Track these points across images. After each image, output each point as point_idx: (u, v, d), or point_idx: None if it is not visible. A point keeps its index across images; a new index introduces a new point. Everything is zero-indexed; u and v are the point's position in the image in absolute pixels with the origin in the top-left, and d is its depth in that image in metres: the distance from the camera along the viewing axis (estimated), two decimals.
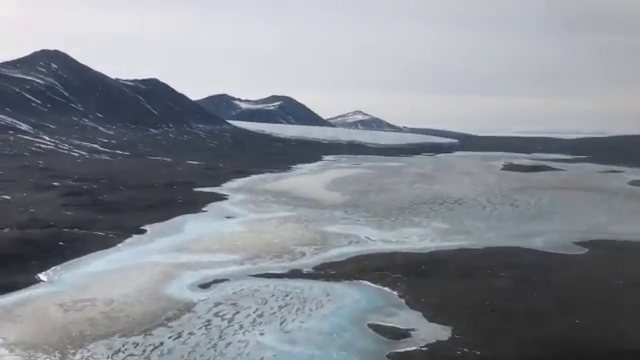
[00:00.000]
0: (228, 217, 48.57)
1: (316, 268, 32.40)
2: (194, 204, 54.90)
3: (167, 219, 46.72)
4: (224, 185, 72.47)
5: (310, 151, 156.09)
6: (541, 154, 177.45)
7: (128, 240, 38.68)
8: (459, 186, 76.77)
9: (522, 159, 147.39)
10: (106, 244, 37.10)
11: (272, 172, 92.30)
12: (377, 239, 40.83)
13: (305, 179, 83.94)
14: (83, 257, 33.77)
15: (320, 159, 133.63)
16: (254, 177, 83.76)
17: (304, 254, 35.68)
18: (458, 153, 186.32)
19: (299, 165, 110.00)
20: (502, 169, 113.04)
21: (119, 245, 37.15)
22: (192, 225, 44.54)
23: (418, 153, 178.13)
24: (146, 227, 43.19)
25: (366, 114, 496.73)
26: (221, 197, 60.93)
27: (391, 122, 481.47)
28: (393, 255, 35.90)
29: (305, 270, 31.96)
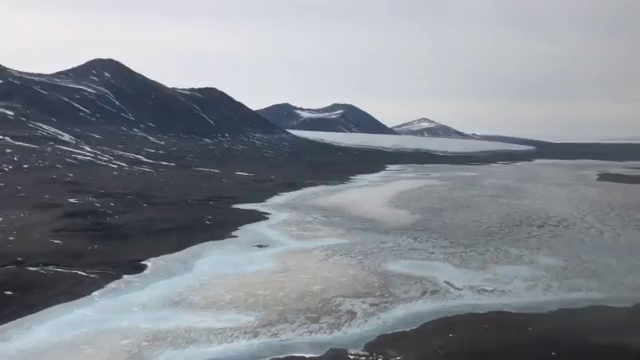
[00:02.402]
0: (260, 246, 37.06)
1: (370, 348, 20.12)
2: (224, 227, 43.88)
3: (181, 249, 35.77)
4: (269, 200, 61.43)
5: (372, 160, 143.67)
6: (636, 162, 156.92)
7: (112, 284, 27.80)
8: (556, 202, 62.22)
9: (617, 168, 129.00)
10: (78, 292, 26.34)
11: (327, 184, 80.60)
12: (463, 285, 28.03)
13: (365, 193, 71.68)
14: (29, 316, 23.04)
15: (383, 169, 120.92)
16: (306, 190, 72.36)
17: (354, 315, 23.44)
18: (538, 161, 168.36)
19: (359, 176, 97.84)
20: (599, 179, 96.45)
21: (95, 294, 26.26)
22: (209, 259, 33.26)
23: (493, 161, 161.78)
24: (148, 261, 32.35)
25: (432, 121, 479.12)
26: (260, 216, 49.74)
27: (459, 129, 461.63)
28: (496, 320, 23.09)
29: (352, 352, 19.74)
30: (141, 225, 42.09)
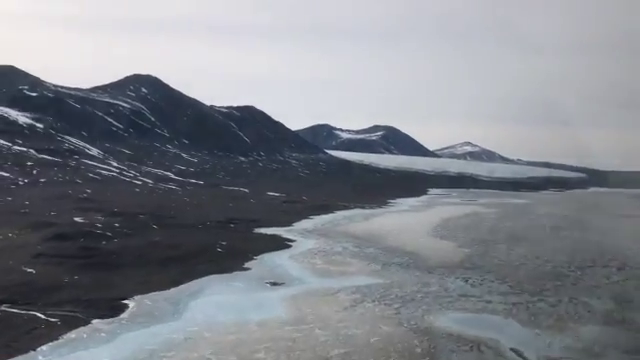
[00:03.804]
0: (274, 284, 30.25)
1: None
2: (237, 256, 37.32)
3: (178, 284, 29.32)
4: (296, 224, 54.84)
5: (413, 183, 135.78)
6: None
7: (72, 333, 21.34)
8: (628, 237, 53.46)
9: None
10: (20, 345, 19.92)
11: (363, 208, 73.54)
12: (537, 356, 20.46)
13: (404, 219, 64.24)
14: None
15: (424, 193, 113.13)
16: (339, 214, 65.49)
17: None
18: (594, 189, 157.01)
19: (398, 200, 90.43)
20: None
21: (42, 349, 19.69)
22: (207, 300, 26.64)
23: (543, 188, 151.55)
24: (132, 300, 25.97)
25: (476, 145, 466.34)
26: (283, 243, 43.11)
27: (503, 154, 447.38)
28: None
29: None
30: (140, 251, 35.89)
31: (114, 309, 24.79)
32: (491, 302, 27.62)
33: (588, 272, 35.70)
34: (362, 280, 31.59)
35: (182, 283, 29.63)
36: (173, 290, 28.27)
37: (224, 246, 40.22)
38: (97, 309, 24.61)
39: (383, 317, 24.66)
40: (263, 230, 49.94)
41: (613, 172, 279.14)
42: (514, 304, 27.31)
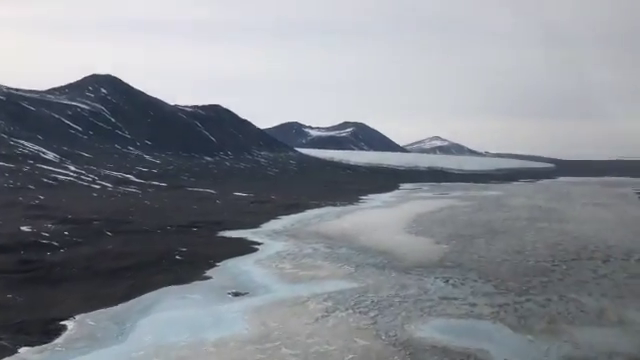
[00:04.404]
0: (237, 294, 27.22)
1: None
2: (197, 263, 34.16)
3: (129, 298, 26.05)
4: (264, 225, 51.76)
5: (384, 179, 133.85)
6: None
7: None
8: (608, 226, 51.94)
9: None
10: None
11: (335, 205, 70.80)
12: None
13: (378, 215, 61.73)
14: None
15: (396, 188, 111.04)
16: (309, 213, 62.59)
17: None
18: (563, 179, 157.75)
19: (371, 196, 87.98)
20: None
21: None
22: (159, 317, 23.49)
23: (514, 180, 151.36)
24: (72, 320, 22.67)
25: (444, 139, 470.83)
26: (249, 247, 40.03)
27: (472, 147, 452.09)
28: None
29: None
30: (88, 262, 32.40)
31: (48, 333, 21.46)
32: (476, 305, 25.11)
33: (573, 266, 33.61)
34: (334, 285, 28.79)
35: (132, 297, 26.38)
36: (121, 306, 25.01)
37: (184, 252, 36.95)
38: (28, 334, 21.27)
39: (358, 328, 21.89)
40: (228, 233, 46.75)
41: (578, 161, 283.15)
42: (501, 306, 24.85)
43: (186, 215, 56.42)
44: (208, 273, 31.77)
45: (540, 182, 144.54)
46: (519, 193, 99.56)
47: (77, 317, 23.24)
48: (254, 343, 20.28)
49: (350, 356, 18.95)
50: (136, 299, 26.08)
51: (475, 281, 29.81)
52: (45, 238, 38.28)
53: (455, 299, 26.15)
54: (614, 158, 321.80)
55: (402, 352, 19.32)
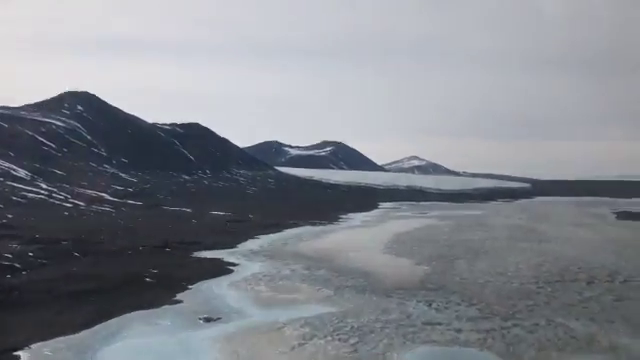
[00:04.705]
0: (208, 320, 25.63)
1: None
2: (169, 286, 32.46)
3: (93, 324, 24.28)
4: (241, 246, 50.23)
5: (363, 198, 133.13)
6: None
7: None
8: (589, 247, 51.41)
9: (628, 205, 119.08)
10: None
11: (313, 225, 69.51)
12: None
13: (357, 235, 60.55)
14: None
15: (376, 207, 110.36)
16: (288, 232, 61.21)
17: None
18: (540, 199, 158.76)
19: (350, 215, 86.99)
20: (618, 218, 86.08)
21: None
22: (123, 346, 21.82)
23: (491, 199, 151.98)
24: (27, 350, 20.93)
25: (422, 159, 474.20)
26: (224, 269, 38.44)
27: (449, 167, 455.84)
28: None
29: None
30: (51, 285, 30.50)
31: None
32: (461, 330, 23.90)
33: (558, 288, 32.69)
34: (313, 309, 27.38)
35: (97, 323, 24.62)
36: (84, 333, 23.27)
37: (155, 274, 35.24)
38: None
39: (338, 357, 20.50)
40: (203, 254, 45.10)
41: (553, 181, 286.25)
42: (487, 331, 23.68)
43: (160, 235, 54.59)
44: (179, 296, 30.13)
45: (517, 202, 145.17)
46: (498, 213, 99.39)
47: (33, 346, 21.49)
48: None
49: None
50: (100, 325, 24.35)
51: (459, 304, 28.65)
52: (7, 260, 36.21)
53: (439, 324, 24.92)
54: (587, 178, 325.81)
55: None
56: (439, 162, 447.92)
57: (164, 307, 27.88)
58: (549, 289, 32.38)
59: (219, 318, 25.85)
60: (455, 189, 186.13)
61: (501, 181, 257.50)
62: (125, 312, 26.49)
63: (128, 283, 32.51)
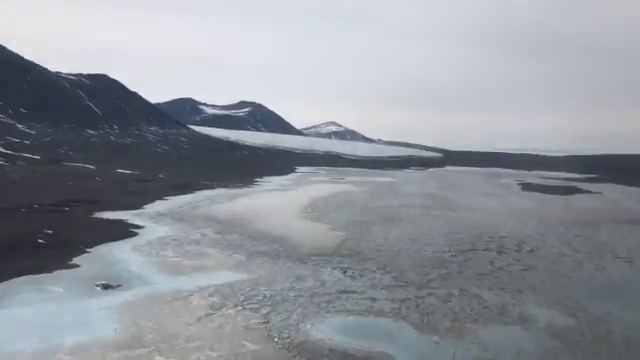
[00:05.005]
0: (107, 286, 23.41)
1: None
2: (64, 248, 29.66)
3: None
4: (148, 207, 47.38)
5: (281, 161, 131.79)
6: (545, 171, 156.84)
7: None
8: (497, 216, 53.03)
9: (531, 177, 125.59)
10: None
11: (227, 187, 67.34)
12: None
13: (273, 199, 59.19)
14: None
15: (293, 171, 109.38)
16: (200, 194, 58.74)
17: None
18: (450, 168, 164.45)
19: (266, 178, 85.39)
20: (523, 189, 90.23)
21: None
22: (7, 316, 19.22)
23: (405, 167, 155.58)
24: None
25: (340, 125, 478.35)
26: (127, 231, 35.82)
27: (365, 134, 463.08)
28: None
29: None
30: None
31: None
32: (376, 299, 23.25)
33: (470, 257, 33.05)
34: (223, 276, 25.79)
35: None
36: None
37: (49, 236, 32.11)
38: None
39: (248, 329, 19.14)
40: (106, 214, 42.02)
41: (463, 152, 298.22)
42: (402, 301, 23.18)
43: (59, 193, 50.58)
44: (76, 261, 27.49)
45: (430, 170, 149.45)
46: (411, 180, 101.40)
47: None
48: (122, 349, 16.89)
49: None
50: None
51: (374, 272, 28.11)
52: None
53: (354, 292, 24.17)
54: (496, 150, 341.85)
55: (297, 358, 16.85)
56: (356, 129, 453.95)
57: (57, 272, 25.23)
58: (461, 257, 32.64)
59: (119, 285, 23.67)
60: (371, 156, 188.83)
61: (415, 150, 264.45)
62: (11, 277, 23.66)
63: (17, 245, 29.29)
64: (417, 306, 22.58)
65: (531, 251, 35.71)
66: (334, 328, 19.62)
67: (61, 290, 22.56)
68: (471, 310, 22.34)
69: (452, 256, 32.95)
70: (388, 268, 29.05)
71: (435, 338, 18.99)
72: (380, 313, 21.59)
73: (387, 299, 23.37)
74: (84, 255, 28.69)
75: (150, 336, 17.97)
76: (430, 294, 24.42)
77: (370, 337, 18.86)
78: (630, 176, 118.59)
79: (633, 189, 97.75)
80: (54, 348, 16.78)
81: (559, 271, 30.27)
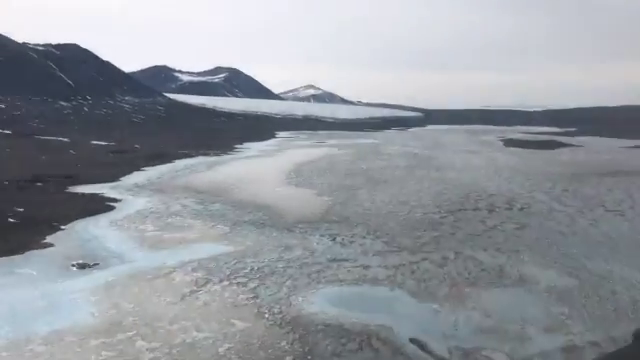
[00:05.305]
0: (83, 266, 22.01)
1: None
2: (37, 226, 28.01)
3: None
4: (125, 179, 45.62)
5: (260, 127, 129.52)
6: (525, 127, 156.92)
7: None
8: (483, 174, 52.21)
9: (513, 133, 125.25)
10: None
11: (207, 155, 65.49)
12: (448, 347, 15.30)
13: (254, 166, 57.62)
14: None
15: (273, 136, 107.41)
16: (179, 164, 56.94)
17: None
18: (431, 127, 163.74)
19: (246, 144, 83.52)
20: (505, 145, 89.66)
21: None
22: None
23: (386, 128, 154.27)
24: None
25: (318, 88, 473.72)
26: (104, 205, 34.18)
27: (344, 97, 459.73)
28: None
29: None
30: None
31: None
32: (369, 267, 22.23)
33: (461, 217, 32.16)
34: (206, 250, 24.49)
35: None
36: None
37: (20, 214, 30.38)
38: None
39: (236, 306, 17.98)
40: (80, 188, 40.20)
41: (443, 110, 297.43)
42: (396, 267, 22.19)
43: (31, 168, 48.42)
44: (49, 239, 25.95)
45: (411, 130, 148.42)
46: (393, 141, 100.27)
47: None
48: (100, 335, 15.62)
49: (226, 346, 15.04)
50: None
51: (364, 237, 27.05)
52: None
53: (345, 260, 23.11)
54: (476, 107, 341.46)
55: (290, 336, 15.77)
56: (335, 92, 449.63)
57: (29, 253, 23.73)
58: (452, 218, 31.72)
59: (96, 264, 22.28)
60: (351, 118, 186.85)
61: (395, 110, 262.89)
62: None
63: None
64: (412, 272, 21.61)
65: (522, 208, 34.95)
66: (327, 300, 18.56)
67: (34, 272, 21.10)
68: (468, 274, 21.44)
69: (442, 217, 32.01)
70: (378, 233, 28.01)
71: (434, 306, 18.05)
72: (374, 281, 20.57)
73: (380, 266, 22.36)
74: (58, 233, 27.13)
75: (131, 319, 16.71)
76: (424, 258, 23.45)
77: (366, 309, 17.84)
78: (609, 128, 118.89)
79: (613, 140, 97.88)
80: (26, 337, 15.47)
81: (553, 228, 29.54)
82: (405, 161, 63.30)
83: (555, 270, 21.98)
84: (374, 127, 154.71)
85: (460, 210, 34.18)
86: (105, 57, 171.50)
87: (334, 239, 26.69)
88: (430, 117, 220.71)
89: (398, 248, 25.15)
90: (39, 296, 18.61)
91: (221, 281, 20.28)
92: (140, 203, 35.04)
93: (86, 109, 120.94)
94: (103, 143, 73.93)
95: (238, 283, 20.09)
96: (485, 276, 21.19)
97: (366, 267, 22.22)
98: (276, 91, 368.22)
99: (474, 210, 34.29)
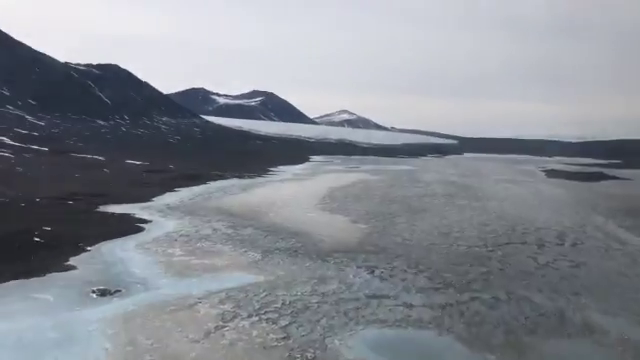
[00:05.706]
0: (104, 293, 20.51)
1: None
2: (61, 247, 26.79)
3: None
4: (157, 199, 44.52)
5: (295, 150, 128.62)
6: (566, 158, 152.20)
7: None
8: (528, 205, 49.52)
9: (553, 163, 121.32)
10: None
11: (241, 177, 64.36)
12: None
13: (288, 189, 56.11)
14: None
15: (307, 160, 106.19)
16: (212, 185, 55.87)
17: None
18: (468, 155, 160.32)
19: (280, 167, 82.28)
20: (548, 176, 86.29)
21: None
22: None
23: (421, 154, 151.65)
24: None
25: (353, 113, 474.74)
26: (133, 226, 32.94)
27: (378, 122, 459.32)
28: None
29: None
30: None
31: None
32: (413, 306, 20.11)
33: (509, 252, 29.76)
34: (235, 279, 22.76)
35: None
36: None
37: (46, 233, 29.28)
38: None
39: (265, 347, 16.09)
40: (111, 208, 39.17)
41: (478, 139, 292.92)
42: (443, 307, 20.03)
43: (64, 185, 47.92)
44: (73, 261, 24.63)
45: (448, 157, 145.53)
46: (429, 168, 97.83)
47: None
48: None
49: None
50: None
51: (405, 271, 24.94)
52: None
53: (386, 297, 21.06)
54: (511, 137, 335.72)
55: None
56: (369, 117, 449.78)
57: (50, 275, 22.40)
58: (500, 253, 29.36)
59: (118, 291, 20.75)
60: (385, 143, 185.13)
61: (429, 137, 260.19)
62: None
63: (9, 243, 26.49)
64: (462, 314, 19.41)
65: (574, 244, 32.32)
66: (367, 345, 16.53)
67: (50, 298, 19.66)
68: (525, 318, 19.13)
69: (489, 251, 29.68)
70: (420, 266, 25.87)
71: (490, 357, 15.80)
72: (419, 324, 18.45)
73: (425, 305, 20.23)
74: (82, 255, 25.82)
75: (148, 358, 14.98)
76: (473, 298, 21.22)
77: (411, 356, 15.73)
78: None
79: None
80: None
81: (613, 268, 26.91)
82: (443, 189, 60.92)
83: (624, 318, 19.48)
84: (409, 153, 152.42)
85: (507, 244, 31.75)
86: (144, 78, 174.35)
87: (372, 272, 24.67)
88: (465, 145, 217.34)
89: (443, 285, 22.97)
90: (51, 326, 17.08)
91: (250, 316, 18.46)
92: (170, 225, 33.71)
93: (123, 129, 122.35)
94: (137, 162, 73.72)
95: (268, 319, 18.24)
96: (545, 322, 18.84)
97: (409, 306, 20.11)
98: (310, 115, 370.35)
99: (522, 244, 31.83)
